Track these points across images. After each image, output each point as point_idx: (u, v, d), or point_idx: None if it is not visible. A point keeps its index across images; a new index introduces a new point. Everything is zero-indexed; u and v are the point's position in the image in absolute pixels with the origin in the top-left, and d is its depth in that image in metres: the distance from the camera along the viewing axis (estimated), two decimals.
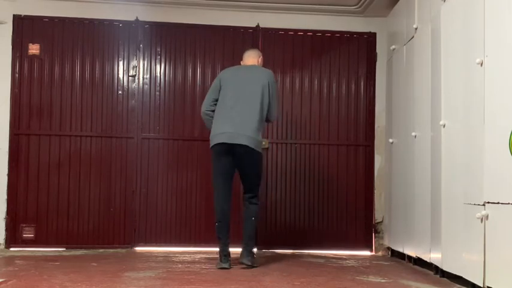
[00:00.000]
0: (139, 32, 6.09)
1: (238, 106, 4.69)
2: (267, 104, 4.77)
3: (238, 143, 4.63)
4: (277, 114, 4.88)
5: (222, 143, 4.66)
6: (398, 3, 5.57)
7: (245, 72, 4.89)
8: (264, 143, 5.31)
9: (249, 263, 4.67)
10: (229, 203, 4.79)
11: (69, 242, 5.85)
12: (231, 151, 4.67)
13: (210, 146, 4.75)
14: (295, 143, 6.17)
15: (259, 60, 5.02)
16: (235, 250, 4.80)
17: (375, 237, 6.16)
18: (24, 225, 5.82)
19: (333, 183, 6.18)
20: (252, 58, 4.99)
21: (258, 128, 4.72)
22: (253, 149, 4.67)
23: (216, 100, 4.81)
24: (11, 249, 5.75)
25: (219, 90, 4.80)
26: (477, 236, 3.53)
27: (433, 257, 4.39)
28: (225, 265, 4.62)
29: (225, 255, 4.66)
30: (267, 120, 4.88)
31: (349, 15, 6.21)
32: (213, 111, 4.81)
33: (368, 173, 6.22)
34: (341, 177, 6.19)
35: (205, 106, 4.87)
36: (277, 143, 6.14)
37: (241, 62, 5.05)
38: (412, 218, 4.95)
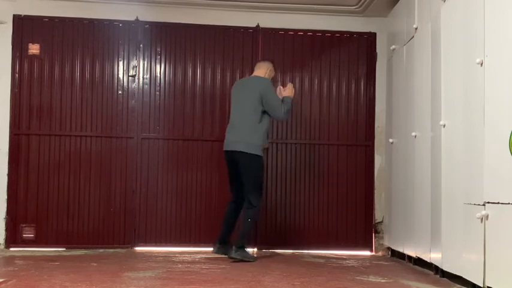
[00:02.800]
0: (139, 32, 6.09)
1: (234, 117, 5.28)
2: (260, 110, 5.17)
3: (231, 149, 5.20)
4: (283, 113, 5.24)
5: (225, 151, 5.27)
6: (398, 3, 5.57)
7: (242, 85, 5.39)
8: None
9: (231, 256, 5.05)
10: (234, 206, 5.30)
11: (69, 242, 5.85)
12: (231, 158, 5.24)
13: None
14: (295, 143, 6.17)
15: (268, 72, 5.40)
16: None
17: (375, 237, 6.16)
18: (24, 225, 5.82)
19: (333, 183, 6.18)
20: (258, 70, 5.40)
21: (252, 132, 5.14)
22: (242, 151, 5.11)
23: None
24: (11, 249, 5.74)
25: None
26: (477, 236, 3.53)
27: (433, 257, 4.39)
28: (213, 249, 5.30)
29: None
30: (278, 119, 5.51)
31: (349, 15, 6.21)
32: None
33: (368, 173, 6.22)
34: (341, 177, 6.19)
35: None
36: (277, 143, 6.14)
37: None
38: (412, 218, 4.95)
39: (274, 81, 5.69)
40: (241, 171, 5.17)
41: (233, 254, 5.02)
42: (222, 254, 5.20)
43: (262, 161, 5.23)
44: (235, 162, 5.18)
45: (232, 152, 5.18)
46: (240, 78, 6.10)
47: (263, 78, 5.31)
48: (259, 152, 5.16)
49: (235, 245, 5.06)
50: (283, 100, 5.26)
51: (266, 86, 5.24)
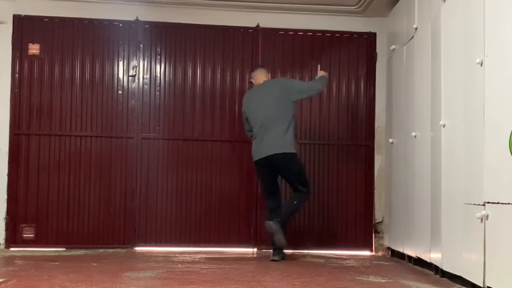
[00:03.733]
0: (139, 32, 6.09)
1: (263, 127, 5.24)
2: (291, 110, 5.24)
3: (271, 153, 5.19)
4: (320, 85, 5.42)
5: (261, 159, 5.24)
6: (398, 3, 5.57)
7: (258, 95, 5.37)
8: None
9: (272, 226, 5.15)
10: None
11: (69, 242, 5.86)
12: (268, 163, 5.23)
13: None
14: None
15: (269, 76, 5.57)
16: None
17: (375, 237, 6.16)
18: (24, 225, 5.82)
19: (333, 183, 6.18)
20: (262, 75, 5.50)
21: (287, 133, 5.20)
22: (280, 152, 5.16)
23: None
24: (11, 249, 5.74)
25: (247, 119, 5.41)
26: (477, 236, 3.53)
27: (433, 257, 4.39)
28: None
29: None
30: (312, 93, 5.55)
31: (349, 15, 6.21)
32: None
33: (368, 173, 6.21)
34: (341, 177, 6.19)
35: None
36: None
37: (254, 81, 5.55)
38: (412, 218, 4.95)
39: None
40: (285, 172, 5.27)
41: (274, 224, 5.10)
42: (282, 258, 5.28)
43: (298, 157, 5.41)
44: (277, 168, 5.24)
45: (268, 157, 5.19)
46: (240, 78, 6.12)
47: (275, 79, 5.68)
48: (295, 150, 5.27)
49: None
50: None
51: (284, 79, 5.72)
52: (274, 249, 5.26)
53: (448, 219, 4.06)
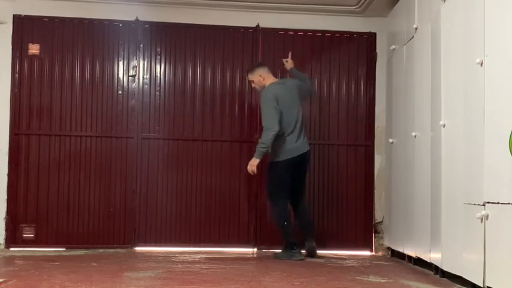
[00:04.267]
0: (139, 32, 6.09)
1: (297, 123, 5.48)
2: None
3: (304, 151, 5.47)
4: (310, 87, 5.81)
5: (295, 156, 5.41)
6: (398, 3, 5.57)
7: (286, 92, 5.47)
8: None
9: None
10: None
11: (69, 242, 5.86)
12: (301, 160, 5.49)
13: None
14: None
15: None
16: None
17: (375, 237, 6.16)
18: (24, 225, 5.82)
19: (333, 183, 6.18)
20: (271, 74, 5.61)
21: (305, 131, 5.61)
22: (309, 150, 5.54)
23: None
24: (11, 249, 5.74)
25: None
26: (477, 236, 3.53)
27: (433, 257, 4.39)
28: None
29: None
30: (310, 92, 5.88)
31: (349, 15, 6.21)
32: None
33: (368, 173, 6.21)
34: (341, 177, 6.19)
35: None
36: None
37: (264, 79, 5.52)
38: (412, 218, 4.95)
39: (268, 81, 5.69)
40: (306, 169, 5.55)
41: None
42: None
43: None
44: (304, 163, 5.45)
45: (303, 153, 5.41)
46: (240, 78, 6.11)
47: (289, 79, 5.78)
48: None
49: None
50: (294, 71, 5.74)
51: (293, 79, 5.73)
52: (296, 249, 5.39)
53: (448, 219, 4.06)
